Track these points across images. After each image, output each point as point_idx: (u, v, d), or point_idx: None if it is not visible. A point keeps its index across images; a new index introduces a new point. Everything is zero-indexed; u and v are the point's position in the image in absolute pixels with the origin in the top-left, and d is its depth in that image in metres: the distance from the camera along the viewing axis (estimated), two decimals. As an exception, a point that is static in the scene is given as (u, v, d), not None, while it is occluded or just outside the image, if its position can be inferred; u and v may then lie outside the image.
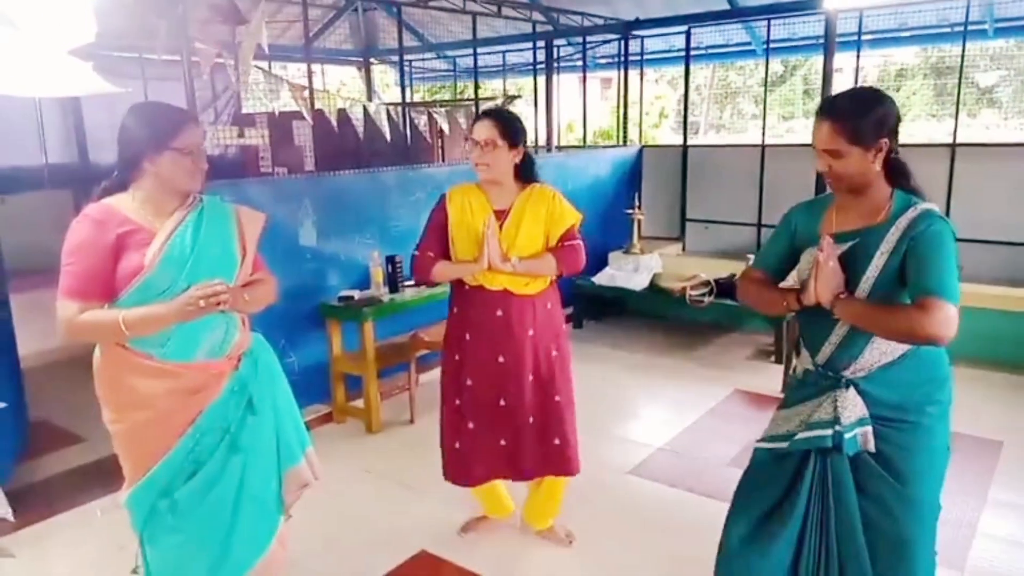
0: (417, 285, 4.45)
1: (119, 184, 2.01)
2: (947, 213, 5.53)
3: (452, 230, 2.72)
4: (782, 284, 2.14)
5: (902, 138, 1.92)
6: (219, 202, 2.14)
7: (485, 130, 2.64)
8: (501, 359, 2.72)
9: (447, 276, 2.75)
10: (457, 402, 2.81)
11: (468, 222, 2.70)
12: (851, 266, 1.87)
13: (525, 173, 2.76)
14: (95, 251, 1.90)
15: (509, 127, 2.67)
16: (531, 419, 2.76)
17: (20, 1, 1.63)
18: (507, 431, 2.77)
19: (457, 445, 2.83)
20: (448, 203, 2.75)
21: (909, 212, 1.85)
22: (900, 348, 1.88)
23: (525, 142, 2.74)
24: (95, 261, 1.89)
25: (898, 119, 1.88)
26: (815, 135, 1.89)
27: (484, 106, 6.69)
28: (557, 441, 2.78)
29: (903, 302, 1.85)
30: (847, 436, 1.88)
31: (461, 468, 2.85)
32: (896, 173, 1.91)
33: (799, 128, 16.18)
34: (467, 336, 2.76)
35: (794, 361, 2.16)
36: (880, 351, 1.89)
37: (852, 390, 1.91)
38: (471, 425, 2.79)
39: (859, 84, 9.49)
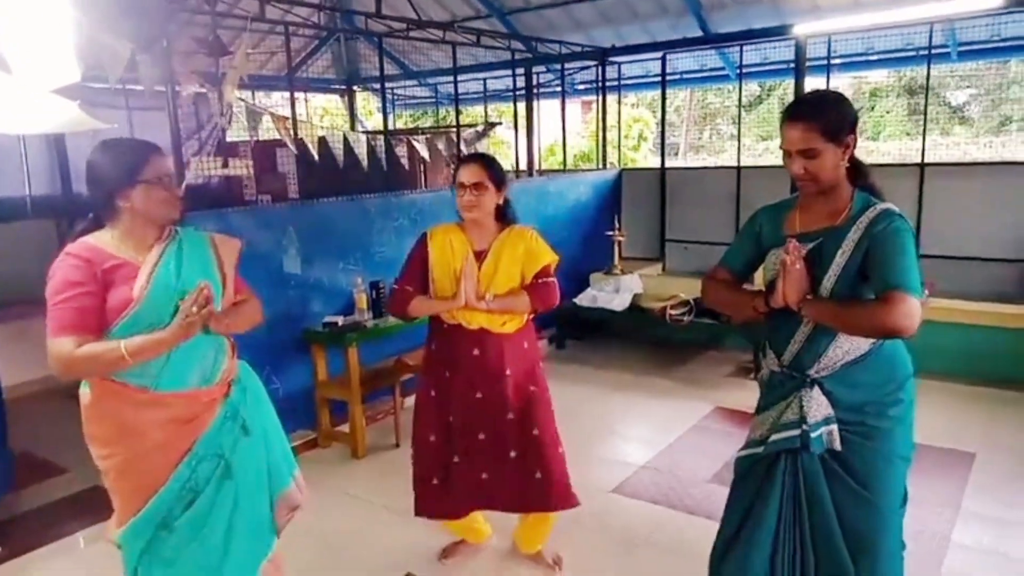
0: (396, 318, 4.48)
1: (95, 224, 2.02)
2: (918, 231, 5.67)
3: (432, 268, 2.78)
4: (747, 286, 2.20)
5: (876, 156, 2.01)
6: (195, 232, 2.17)
7: (474, 173, 2.71)
8: (479, 395, 2.76)
9: (424, 311, 2.80)
10: (432, 438, 2.83)
11: (448, 260, 2.76)
12: (814, 265, 1.94)
13: (505, 215, 2.84)
14: (85, 286, 1.89)
15: (496, 170, 2.77)
16: (512, 453, 2.79)
17: (13, 46, 1.70)
18: (488, 465, 2.80)
19: (435, 481, 2.84)
20: (429, 241, 2.82)
21: (869, 212, 1.92)
22: (863, 346, 1.95)
23: (506, 185, 2.83)
24: (85, 297, 1.89)
25: (857, 117, 1.97)
26: (787, 139, 1.94)
27: (465, 134, 6.79)
28: (539, 475, 2.80)
29: (864, 298, 1.92)
30: (813, 435, 1.94)
31: (441, 503, 2.86)
32: (856, 171, 2.00)
33: (776, 148, 16.43)
34: (446, 373, 2.81)
35: (761, 364, 2.23)
36: (843, 349, 1.96)
37: (817, 389, 1.97)
38: (456, 459, 2.81)
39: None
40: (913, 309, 1.77)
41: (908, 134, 15.77)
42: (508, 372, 2.76)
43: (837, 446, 1.96)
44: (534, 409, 2.81)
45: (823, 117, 1.90)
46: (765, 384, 2.17)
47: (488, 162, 2.78)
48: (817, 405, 1.96)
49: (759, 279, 2.20)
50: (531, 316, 2.87)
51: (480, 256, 2.76)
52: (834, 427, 1.95)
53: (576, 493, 2.87)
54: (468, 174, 2.72)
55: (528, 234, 2.82)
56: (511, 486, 2.81)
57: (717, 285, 2.20)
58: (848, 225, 1.94)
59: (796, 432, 1.97)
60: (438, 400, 2.82)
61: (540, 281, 2.77)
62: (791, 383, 2.03)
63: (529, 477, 2.80)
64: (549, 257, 2.82)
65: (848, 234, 1.92)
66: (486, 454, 2.79)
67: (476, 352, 2.74)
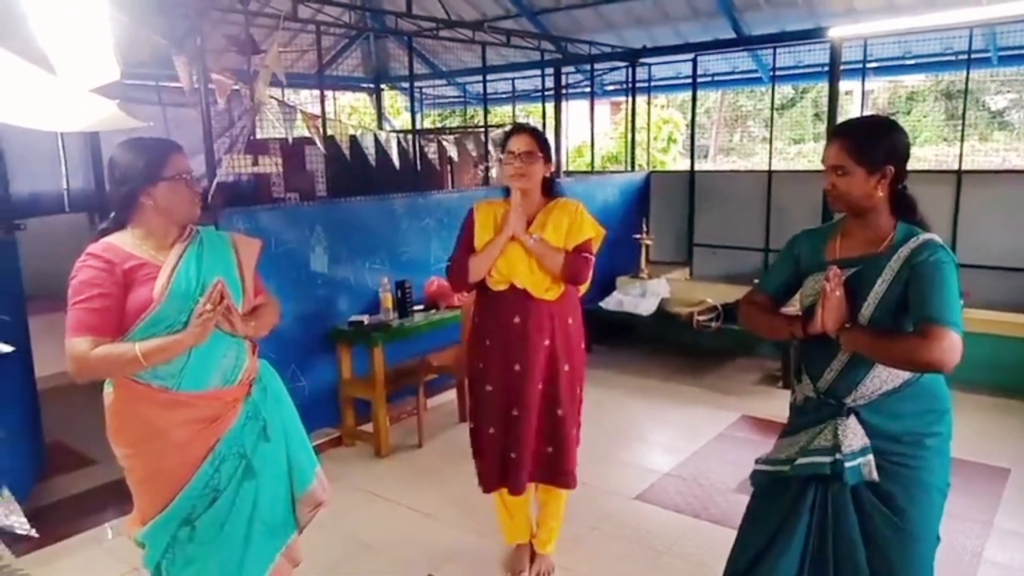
0: (456, 291, 4.36)
1: (116, 224, 2.03)
2: (953, 239, 5.56)
3: (477, 233, 2.81)
4: (784, 309, 2.17)
5: (913, 161, 1.97)
6: (215, 232, 2.18)
7: (524, 142, 2.74)
8: (517, 367, 2.77)
9: (480, 263, 2.78)
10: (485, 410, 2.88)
11: (491, 229, 2.79)
12: (852, 293, 1.90)
13: (551, 188, 2.86)
14: (104, 287, 1.90)
15: (544, 141, 2.81)
16: (534, 429, 2.80)
17: (56, 45, 1.72)
18: (515, 442, 2.81)
19: (483, 451, 2.89)
20: (475, 213, 2.86)
21: (911, 242, 1.88)
22: (901, 377, 1.91)
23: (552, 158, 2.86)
24: (105, 297, 1.90)
25: (907, 151, 1.93)
26: (825, 152, 1.97)
27: (493, 134, 6.79)
28: (550, 449, 2.82)
29: (904, 329, 1.87)
30: (849, 465, 1.89)
31: (484, 475, 2.90)
32: (902, 205, 1.96)
33: (808, 152, 16.22)
34: (487, 342, 2.82)
35: (794, 388, 2.19)
36: (881, 379, 1.91)
37: (853, 418, 1.92)
38: (491, 431, 2.84)
39: (868, 108, 9.55)
40: (953, 344, 1.73)
41: (945, 139, 15.45)
42: (547, 342, 2.77)
43: (875, 477, 1.90)
44: (564, 388, 2.81)
45: (861, 141, 1.90)
46: (797, 409, 2.12)
47: (538, 133, 2.82)
48: (853, 434, 1.91)
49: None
50: (580, 295, 2.88)
51: (525, 226, 2.78)
52: (871, 458, 1.90)
53: (576, 477, 2.88)
54: (519, 143, 2.74)
55: (573, 207, 2.83)
56: (527, 461, 2.82)
57: (753, 309, 2.17)
58: (889, 254, 1.90)
59: (827, 459, 1.92)
60: (483, 372, 2.86)
61: (577, 254, 2.77)
62: (827, 410, 1.98)
63: (542, 450, 2.83)
64: (592, 231, 2.82)
65: (888, 263, 1.88)
66: (515, 431, 2.80)
67: (517, 320, 2.75)
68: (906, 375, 1.91)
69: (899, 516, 1.91)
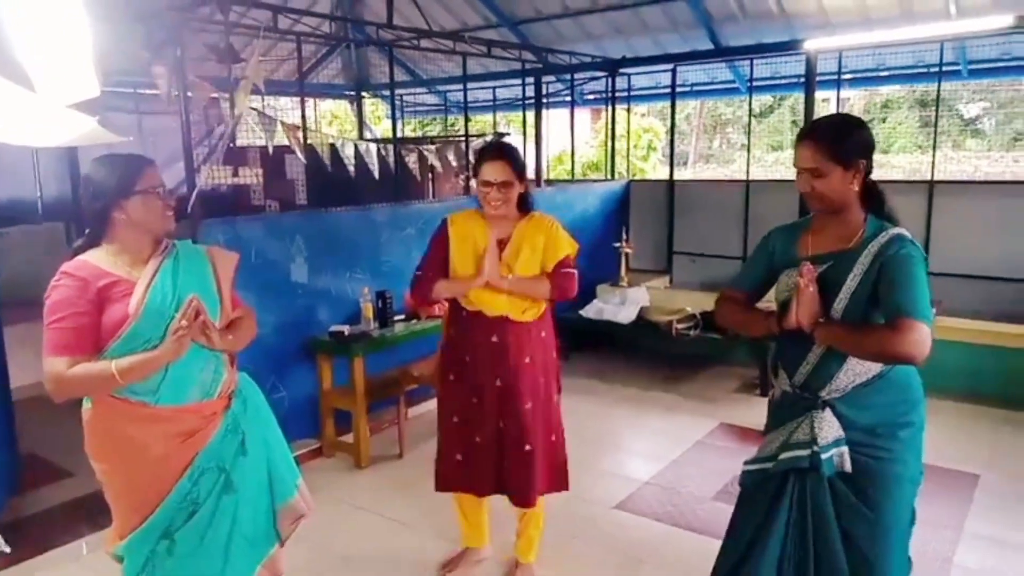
0: (418, 307, 4.44)
1: (90, 242, 2.03)
2: (926, 248, 5.66)
3: (453, 252, 2.80)
4: (759, 305, 2.22)
5: (887, 169, 2.03)
6: (191, 245, 2.18)
7: (500, 172, 2.71)
8: (499, 383, 2.78)
9: (447, 292, 2.81)
10: (455, 419, 2.87)
11: (470, 245, 2.79)
12: (825, 288, 1.95)
13: (524, 202, 2.86)
14: (79, 306, 1.91)
15: (519, 164, 2.79)
16: (527, 447, 2.81)
17: (35, 62, 1.73)
18: (508, 452, 2.82)
19: (458, 456, 2.88)
20: (450, 227, 2.84)
21: (880, 237, 1.94)
22: (873, 369, 1.96)
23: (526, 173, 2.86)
24: (80, 316, 1.90)
25: (873, 144, 1.99)
26: (797, 156, 2.00)
27: (476, 144, 6.81)
28: (546, 466, 2.86)
29: (875, 322, 1.93)
30: (824, 457, 1.95)
31: (465, 477, 2.89)
32: (871, 197, 2.02)
33: (787, 159, 16.42)
34: (467, 358, 2.82)
35: (772, 384, 2.23)
36: (854, 372, 1.97)
37: (828, 411, 1.98)
38: (478, 439, 2.84)
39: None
40: (923, 336, 1.78)
41: (920, 147, 15.72)
42: (527, 360, 2.79)
43: (848, 468, 1.97)
44: (548, 402, 2.85)
45: (833, 140, 1.94)
46: (775, 404, 2.18)
47: (512, 157, 2.78)
48: (828, 427, 1.97)
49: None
50: (550, 307, 2.89)
51: (501, 244, 2.79)
52: (845, 449, 1.96)
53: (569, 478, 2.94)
54: (495, 172, 2.72)
55: (547, 223, 2.84)
56: (524, 478, 2.83)
57: (730, 305, 2.22)
58: (860, 249, 1.95)
59: (806, 452, 1.97)
60: (456, 383, 2.86)
61: (561, 271, 2.79)
62: (802, 404, 2.04)
63: (538, 470, 2.84)
64: (569, 248, 2.84)
65: (859, 258, 1.94)
66: (507, 442, 2.81)
67: (494, 339, 2.76)
68: (878, 368, 1.96)
69: (872, 509, 1.97)
